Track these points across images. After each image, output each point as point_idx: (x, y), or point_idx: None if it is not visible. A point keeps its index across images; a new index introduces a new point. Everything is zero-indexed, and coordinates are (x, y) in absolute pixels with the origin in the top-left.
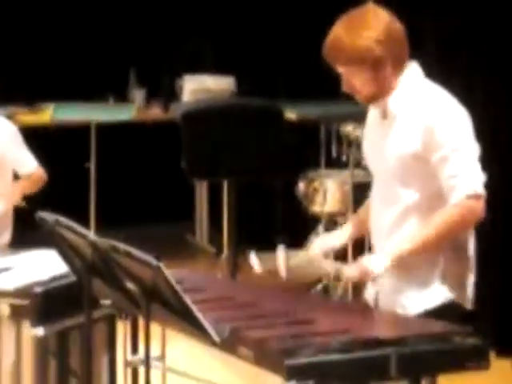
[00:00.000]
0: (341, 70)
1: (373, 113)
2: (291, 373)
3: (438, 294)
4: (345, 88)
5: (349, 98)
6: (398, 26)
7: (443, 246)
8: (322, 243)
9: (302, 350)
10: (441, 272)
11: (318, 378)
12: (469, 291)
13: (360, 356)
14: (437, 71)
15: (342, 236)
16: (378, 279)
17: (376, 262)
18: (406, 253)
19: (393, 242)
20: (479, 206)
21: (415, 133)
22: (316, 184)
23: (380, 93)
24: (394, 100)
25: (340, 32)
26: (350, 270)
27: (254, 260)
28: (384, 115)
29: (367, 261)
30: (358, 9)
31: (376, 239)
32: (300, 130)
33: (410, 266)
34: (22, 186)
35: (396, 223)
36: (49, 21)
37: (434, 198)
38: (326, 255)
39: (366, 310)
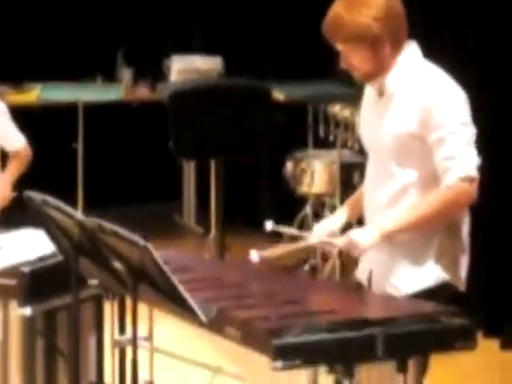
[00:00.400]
0: (340, 47)
1: (369, 91)
2: (278, 353)
3: (431, 273)
4: (343, 65)
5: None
6: (397, 5)
7: (438, 225)
8: (319, 231)
9: (289, 330)
10: (435, 252)
11: (304, 358)
12: (462, 272)
13: (346, 336)
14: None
15: (338, 220)
16: (366, 253)
17: (364, 236)
18: (395, 229)
19: (384, 217)
20: (472, 189)
21: (412, 112)
22: (303, 164)
23: (378, 71)
24: (391, 78)
25: (340, 10)
26: (338, 242)
27: (254, 255)
28: (381, 93)
29: (355, 234)
30: None
31: (369, 217)
32: (287, 111)
33: (403, 245)
34: (10, 174)
35: (391, 201)
36: (38, 4)
37: (430, 178)
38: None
39: (353, 290)
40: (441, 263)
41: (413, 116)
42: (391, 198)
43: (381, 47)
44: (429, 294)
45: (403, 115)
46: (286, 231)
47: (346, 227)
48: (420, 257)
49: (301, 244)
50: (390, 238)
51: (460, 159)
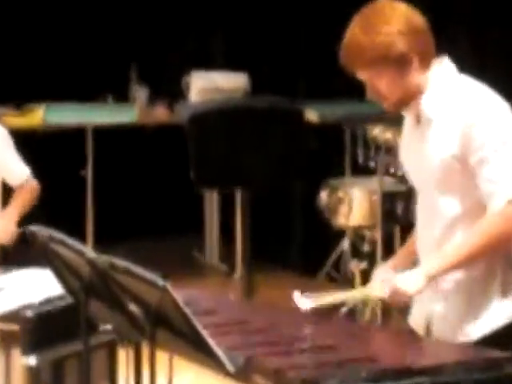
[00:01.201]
0: (363, 75)
1: (407, 119)
2: None
3: (500, 311)
4: (370, 96)
5: None
6: (419, 18)
7: (496, 257)
8: (381, 279)
9: (326, 381)
10: (500, 286)
11: None
12: None
13: None
14: (470, 64)
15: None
16: (411, 300)
17: (410, 282)
18: (443, 270)
19: (429, 259)
20: None
21: (453, 135)
22: (340, 193)
23: (409, 95)
24: (426, 102)
25: (356, 32)
26: (379, 291)
27: (299, 299)
28: (417, 120)
29: (400, 281)
30: (371, 5)
31: (422, 257)
32: (322, 133)
33: (464, 286)
34: (15, 208)
35: (441, 238)
36: (40, 14)
37: (476, 210)
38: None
39: (397, 336)
40: (508, 297)
41: (453, 139)
42: (441, 234)
43: (408, 66)
44: (503, 335)
45: (443, 140)
46: (325, 301)
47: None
48: (484, 296)
49: (356, 295)
50: (455, 284)
51: (505, 180)
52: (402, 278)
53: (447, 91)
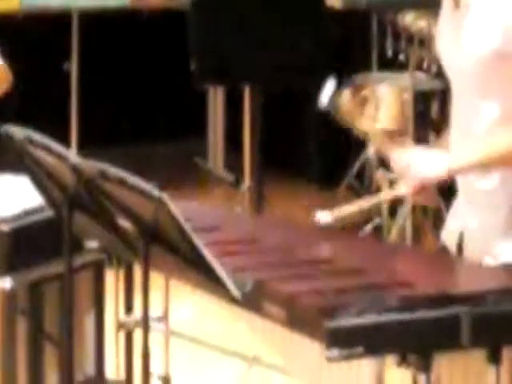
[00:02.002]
0: None
1: (446, 1)
2: (333, 338)
3: None
4: None
5: None
6: None
7: None
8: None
9: (348, 309)
10: None
11: (367, 345)
12: None
13: (422, 317)
14: None
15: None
16: (422, 189)
17: (430, 166)
18: (468, 166)
19: (459, 149)
20: None
21: (495, 23)
22: (366, 92)
23: None
24: None
25: None
26: (403, 189)
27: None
28: (456, 3)
29: (420, 160)
30: None
31: None
32: (345, 21)
33: (501, 198)
34: None
35: None
36: None
37: None
38: None
39: (430, 258)
40: None
41: (496, 28)
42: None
43: None
44: None
45: (484, 29)
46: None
47: None
48: None
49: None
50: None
51: None
52: (423, 158)
53: None
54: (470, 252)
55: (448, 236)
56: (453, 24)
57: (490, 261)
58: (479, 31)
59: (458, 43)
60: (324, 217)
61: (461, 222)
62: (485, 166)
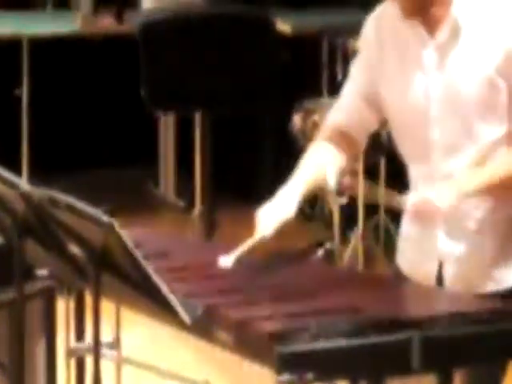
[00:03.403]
0: None
1: (393, 29)
2: (284, 363)
3: None
4: None
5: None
6: None
7: None
8: (270, 221)
9: (298, 334)
10: None
11: (318, 371)
12: None
13: (373, 341)
14: None
15: (291, 203)
16: (441, 217)
17: (441, 195)
18: (479, 188)
19: (464, 174)
20: None
21: (492, 46)
22: (316, 117)
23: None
24: (458, 6)
25: None
26: (406, 200)
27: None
28: (431, 30)
29: (429, 191)
30: None
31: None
32: (295, 46)
33: (495, 225)
34: None
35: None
36: None
37: None
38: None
39: (382, 282)
40: None
41: (493, 51)
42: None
43: None
44: None
45: (480, 53)
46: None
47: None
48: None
49: (255, 239)
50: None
51: None
52: (431, 189)
53: None
54: (454, 281)
55: (415, 263)
56: (427, 56)
57: (491, 287)
58: (475, 54)
59: (442, 75)
60: (226, 261)
61: (436, 253)
62: (495, 189)
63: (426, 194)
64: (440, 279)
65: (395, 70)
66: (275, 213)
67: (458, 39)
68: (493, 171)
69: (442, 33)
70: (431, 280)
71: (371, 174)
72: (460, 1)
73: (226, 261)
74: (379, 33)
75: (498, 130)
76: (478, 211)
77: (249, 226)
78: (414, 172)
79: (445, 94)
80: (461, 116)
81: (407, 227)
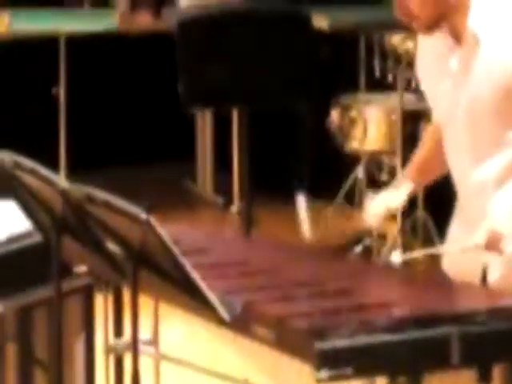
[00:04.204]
0: None
1: (431, 44)
2: (323, 359)
3: None
4: (399, 14)
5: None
6: None
7: None
8: (376, 208)
9: (338, 330)
10: None
11: (357, 366)
12: None
13: (412, 337)
14: None
15: (399, 196)
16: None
17: (505, 222)
18: None
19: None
20: None
21: (507, 58)
22: (354, 113)
23: (445, 12)
24: (474, 19)
25: None
26: (479, 239)
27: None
28: (457, 41)
29: (496, 223)
30: None
31: (471, 203)
32: (333, 43)
33: None
34: None
35: (505, 176)
36: None
37: None
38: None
39: (420, 278)
40: None
41: (509, 61)
42: (505, 170)
43: None
44: None
45: (497, 64)
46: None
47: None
48: None
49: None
50: None
51: None
52: (496, 219)
53: (496, 6)
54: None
55: (462, 272)
56: (454, 66)
57: None
58: (495, 62)
59: (467, 83)
60: (396, 257)
61: (482, 260)
62: None
63: (489, 225)
64: (484, 282)
65: (431, 79)
66: (383, 204)
67: (478, 48)
68: None
69: (465, 41)
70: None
71: None
72: (476, 10)
73: (397, 256)
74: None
75: None
76: None
77: (286, 223)
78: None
79: (468, 102)
80: (483, 124)
81: (456, 228)
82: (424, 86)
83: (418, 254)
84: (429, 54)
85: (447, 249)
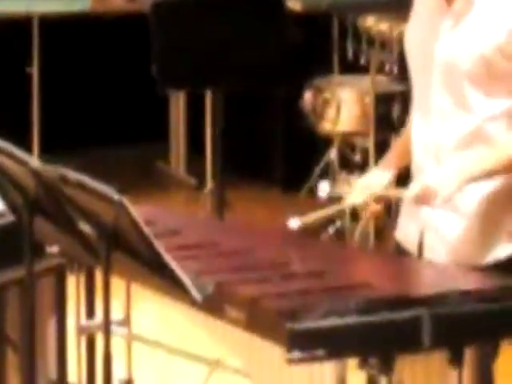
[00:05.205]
0: None
1: (427, 3)
2: (294, 340)
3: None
4: None
5: None
6: None
7: None
8: (362, 190)
9: (309, 311)
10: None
11: (329, 348)
12: None
13: (384, 319)
14: None
15: (384, 175)
16: (444, 203)
17: (443, 181)
18: (481, 173)
19: (464, 157)
20: None
21: (499, 19)
22: (327, 95)
23: None
24: None
25: None
26: (406, 191)
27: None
28: (449, 2)
29: (430, 179)
30: None
31: (422, 166)
32: (306, 24)
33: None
34: None
35: (465, 142)
36: None
37: None
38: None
39: (392, 260)
40: None
41: (500, 25)
42: (465, 136)
43: None
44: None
45: (487, 27)
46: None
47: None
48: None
49: (345, 205)
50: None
51: None
52: (431, 176)
53: None
54: (431, 252)
55: (404, 236)
56: (444, 23)
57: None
58: (483, 28)
59: (452, 42)
60: (295, 223)
61: (420, 221)
62: (494, 175)
63: (426, 180)
64: (420, 248)
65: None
66: (368, 184)
67: (469, 13)
68: (496, 157)
69: (458, 3)
70: (413, 247)
71: (381, 150)
72: None
73: (295, 222)
74: None
75: (495, 106)
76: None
77: (259, 205)
78: (415, 132)
79: (446, 62)
80: (455, 85)
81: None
82: (409, 43)
83: (316, 216)
84: (419, 10)
85: (336, 208)
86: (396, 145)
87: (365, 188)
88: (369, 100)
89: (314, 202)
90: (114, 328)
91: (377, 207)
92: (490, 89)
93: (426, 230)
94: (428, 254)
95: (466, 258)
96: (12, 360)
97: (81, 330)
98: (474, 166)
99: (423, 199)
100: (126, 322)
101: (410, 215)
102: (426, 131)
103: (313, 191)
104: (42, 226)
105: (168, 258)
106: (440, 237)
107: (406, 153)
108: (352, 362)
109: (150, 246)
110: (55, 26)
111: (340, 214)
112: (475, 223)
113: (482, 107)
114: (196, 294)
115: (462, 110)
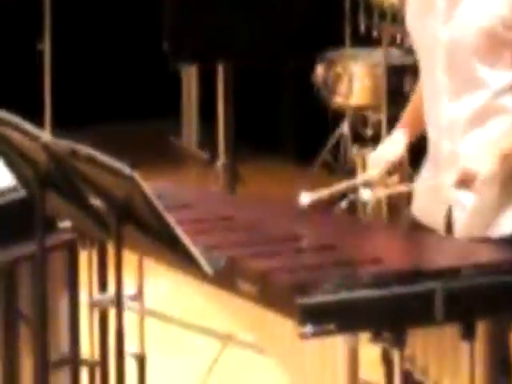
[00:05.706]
0: None
1: None
2: (306, 314)
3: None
4: None
5: None
6: None
7: None
8: (377, 162)
9: (321, 285)
10: None
11: (340, 322)
12: None
13: (396, 292)
14: None
15: (398, 145)
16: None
17: (480, 162)
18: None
19: (487, 136)
20: None
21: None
22: (339, 68)
23: None
24: None
25: None
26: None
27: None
28: None
29: (467, 161)
30: None
31: (441, 142)
32: None
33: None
34: None
35: (478, 116)
36: None
37: None
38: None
39: (405, 234)
40: None
41: (498, 3)
42: (479, 111)
43: None
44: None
45: (485, 4)
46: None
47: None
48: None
49: (359, 179)
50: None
51: None
52: (468, 157)
53: None
54: (463, 227)
55: (428, 212)
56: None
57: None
58: (486, 2)
59: (453, 18)
60: (306, 198)
61: (446, 199)
62: None
63: (463, 165)
64: (449, 225)
65: (416, 12)
66: (383, 155)
67: None
68: None
69: None
70: (440, 225)
71: (393, 123)
72: None
73: (306, 198)
74: None
75: (505, 77)
76: None
77: (272, 178)
78: (427, 113)
79: (450, 40)
80: (462, 63)
81: (425, 172)
82: (411, 26)
83: (327, 192)
84: None
85: (349, 183)
86: (406, 113)
87: (379, 161)
88: (381, 73)
89: (326, 176)
90: (126, 302)
91: (392, 179)
92: (497, 61)
93: (453, 209)
94: (457, 232)
95: (479, 230)
96: (24, 335)
97: (93, 305)
98: (504, 141)
99: (465, 183)
100: (138, 296)
101: (431, 194)
102: (437, 111)
103: (325, 165)
104: (54, 201)
105: (179, 232)
106: (467, 213)
107: (418, 120)
108: (364, 336)
109: (162, 219)
110: (66, 2)
111: (353, 189)
112: (488, 196)
113: (492, 80)
114: (207, 267)
115: (472, 87)
